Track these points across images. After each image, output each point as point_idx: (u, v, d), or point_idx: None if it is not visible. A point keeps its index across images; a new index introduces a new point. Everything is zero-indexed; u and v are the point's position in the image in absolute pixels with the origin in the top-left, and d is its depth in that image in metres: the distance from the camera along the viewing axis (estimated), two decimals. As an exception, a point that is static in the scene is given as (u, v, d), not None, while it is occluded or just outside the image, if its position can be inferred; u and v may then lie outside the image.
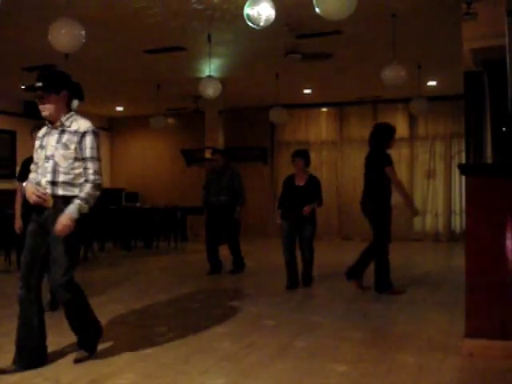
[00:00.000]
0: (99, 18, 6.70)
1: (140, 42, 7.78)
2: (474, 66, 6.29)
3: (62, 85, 3.64)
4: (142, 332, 4.58)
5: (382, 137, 6.19)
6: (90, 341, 3.79)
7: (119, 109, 13.64)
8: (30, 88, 3.58)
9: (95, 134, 3.60)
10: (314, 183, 6.77)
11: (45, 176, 3.56)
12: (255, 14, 5.19)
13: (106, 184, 14.19)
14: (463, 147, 10.81)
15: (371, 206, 6.14)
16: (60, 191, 3.53)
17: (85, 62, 8.41)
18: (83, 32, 5.68)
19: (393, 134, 6.30)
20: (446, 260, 9.70)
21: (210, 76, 8.15)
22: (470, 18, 5.68)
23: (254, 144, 13.45)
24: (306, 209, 6.50)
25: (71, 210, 3.47)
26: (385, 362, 3.71)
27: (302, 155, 6.83)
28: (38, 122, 4.68)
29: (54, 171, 3.54)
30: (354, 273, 6.30)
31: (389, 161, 6.08)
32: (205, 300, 5.90)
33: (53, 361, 3.74)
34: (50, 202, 3.53)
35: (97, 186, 3.55)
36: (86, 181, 3.55)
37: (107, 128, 14.70)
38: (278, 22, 5.62)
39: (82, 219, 3.54)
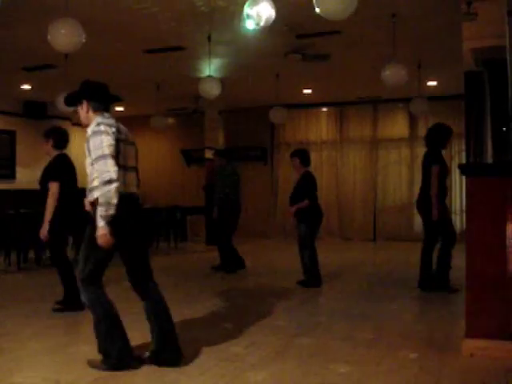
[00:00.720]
0: (99, 18, 6.70)
1: (140, 42, 7.78)
2: (475, 66, 6.28)
3: (80, 95, 3.76)
4: (141, 332, 4.57)
5: (439, 137, 6.28)
6: (106, 355, 3.60)
7: (119, 109, 13.62)
8: None
9: (96, 133, 3.52)
10: (301, 182, 6.82)
11: None
12: (255, 14, 5.19)
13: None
14: (463, 147, 10.83)
15: (425, 205, 6.18)
16: (89, 198, 3.59)
17: (85, 62, 8.41)
18: (83, 32, 5.67)
19: (449, 134, 6.43)
20: (446, 260, 9.67)
21: (209, 76, 8.15)
22: (469, 18, 5.67)
23: (254, 144, 13.44)
24: (287, 212, 6.75)
25: (97, 222, 3.45)
26: (385, 361, 3.71)
27: (298, 154, 6.90)
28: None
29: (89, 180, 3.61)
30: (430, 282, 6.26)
31: (438, 160, 6.18)
32: (205, 300, 5.90)
33: (54, 361, 3.74)
34: (88, 208, 3.64)
35: (105, 183, 3.40)
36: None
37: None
38: (278, 22, 5.61)
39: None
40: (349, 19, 5.22)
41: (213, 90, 7.91)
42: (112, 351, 3.57)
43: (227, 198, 7.85)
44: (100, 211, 3.40)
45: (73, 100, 3.83)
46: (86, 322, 4.83)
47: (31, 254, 8.32)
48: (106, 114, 3.69)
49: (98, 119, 3.61)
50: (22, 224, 8.06)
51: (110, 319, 3.60)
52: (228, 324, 4.80)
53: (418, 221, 12.36)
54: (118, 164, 3.49)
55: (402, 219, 12.41)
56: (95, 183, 3.48)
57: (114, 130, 3.57)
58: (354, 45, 7.97)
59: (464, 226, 4.27)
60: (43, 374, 3.50)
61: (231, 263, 7.88)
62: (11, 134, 12.04)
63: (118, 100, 3.96)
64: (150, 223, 11.12)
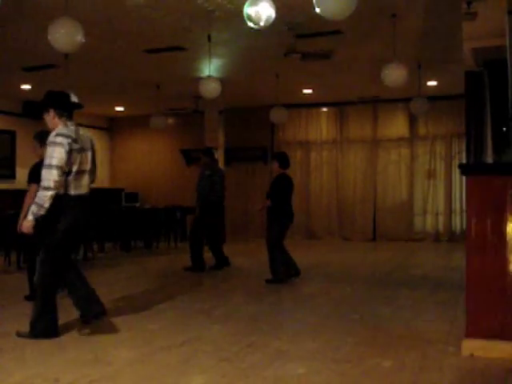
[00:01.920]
0: (99, 18, 6.70)
1: (140, 41, 7.78)
2: (475, 66, 6.28)
3: (47, 104, 4.24)
4: (141, 332, 4.58)
5: None
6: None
7: (119, 109, 13.63)
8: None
9: (52, 143, 4.05)
10: (273, 183, 6.93)
11: None
12: (255, 14, 5.18)
13: (106, 184, 14.20)
14: (463, 147, 10.83)
15: None
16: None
17: (85, 62, 8.41)
18: (83, 32, 5.67)
19: None
20: (446, 260, 9.69)
21: (209, 76, 8.15)
22: (469, 18, 5.67)
23: (254, 144, 13.45)
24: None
25: (28, 214, 4.14)
26: (385, 361, 3.71)
27: (276, 157, 7.05)
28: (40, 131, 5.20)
29: None
30: None
31: None
32: (204, 300, 5.90)
33: (54, 360, 3.74)
34: None
35: (44, 188, 4.01)
36: None
37: (107, 128, 14.70)
38: (278, 22, 5.62)
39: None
40: (349, 19, 5.22)
41: (213, 90, 7.92)
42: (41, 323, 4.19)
43: (200, 198, 8.04)
44: (33, 208, 4.04)
45: (40, 108, 4.25)
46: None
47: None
48: (69, 123, 4.20)
49: (59, 130, 4.12)
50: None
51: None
52: (227, 324, 4.80)
53: (417, 221, 12.43)
54: (70, 171, 4.09)
55: (401, 219, 12.41)
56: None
57: (69, 140, 4.08)
58: (355, 44, 7.98)
59: (464, 226, 4.27)
60: (43, 373, 3.50)
61: (199, 263, 7.87)
62: (11, 134, 12.04)
63: (79, 107, 4.48)
64: (149, 223, 11.14)
